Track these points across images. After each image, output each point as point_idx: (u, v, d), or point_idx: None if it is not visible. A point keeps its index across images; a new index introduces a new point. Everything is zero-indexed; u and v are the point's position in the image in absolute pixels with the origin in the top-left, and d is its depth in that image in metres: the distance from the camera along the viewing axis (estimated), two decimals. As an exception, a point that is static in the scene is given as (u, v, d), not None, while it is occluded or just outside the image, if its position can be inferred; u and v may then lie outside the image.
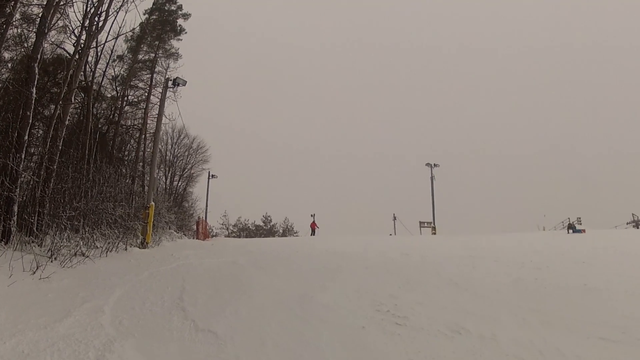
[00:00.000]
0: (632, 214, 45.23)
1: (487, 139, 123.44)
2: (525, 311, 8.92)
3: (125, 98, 27.39)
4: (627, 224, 45.02)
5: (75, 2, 18.22)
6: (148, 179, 23.79)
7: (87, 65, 22.00)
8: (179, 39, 29.51)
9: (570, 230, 31.98)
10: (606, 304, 9.30)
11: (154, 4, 28.41)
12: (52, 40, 19.57)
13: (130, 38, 27.29)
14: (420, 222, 47.63)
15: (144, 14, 27.39)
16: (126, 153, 28.05)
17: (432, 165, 49.94)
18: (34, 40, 15.98)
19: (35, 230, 13.69)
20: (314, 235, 41.33)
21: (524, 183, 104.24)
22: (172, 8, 29.16)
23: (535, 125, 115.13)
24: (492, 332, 7.57)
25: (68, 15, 18.94)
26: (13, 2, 15.17)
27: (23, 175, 13.82)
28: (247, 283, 11.90)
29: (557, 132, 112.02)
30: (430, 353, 6.78)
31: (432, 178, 49.71)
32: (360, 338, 7.53)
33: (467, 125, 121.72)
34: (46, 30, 15.50)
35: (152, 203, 20.94)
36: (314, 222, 45.39)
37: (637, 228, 41.79)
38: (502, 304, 9.65)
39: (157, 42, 28.82)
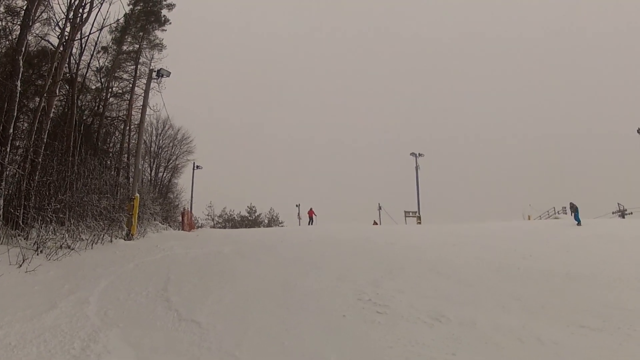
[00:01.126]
0: (618, 204, 45.48)
1: (473, 128, 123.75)
2: (507, 298, 9.04)
3: (110, 90, 27.28)
4: (613, 213, 45.25)
5: (60, -6, 18.26)
6: (133, 170, 23.79)
7: (72, 57, 21.87)
8: (163, 30, 29.31)
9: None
10: (588, 292, 9.45)
11: (138, -6, 28.33)
12: (37, 32, 19.49)
13: (114, 29, 27.06)
14: (406, 212, 47.66)
15: (128, 5, 27.26)
16: (111, 145, 27.90)
17: (417, 155, 49.85)
18: (18, 32, 16.00)
19: (21, 224, 13.76)
20: (312, 224, 39.74)
21: (509, 172, 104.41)
22: (157, -2, 29.06)
23: (521, 114, 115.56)
24: (472, 319, 7.66)
25: (52, 8, 18.89)
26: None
27: (8, 169, 13.88)
28: (231, 272, 12.05)
29: (543, 120, 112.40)
30: (409, 340, 6.84)
31: (416, 167, 49.66)
32: (341, 326, 7.62)
33: (453, 114, 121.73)
34: (30, 23, 15.56)
35: (137, 195, 20.90)
36: (311, 209, 41.46)
37: (623, 217, 42.01)
38: (484, 291, 9.80)
39: (141, 33, 28.61)
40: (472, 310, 8.20)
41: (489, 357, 6.23)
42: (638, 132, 40.40)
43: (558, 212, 48.14)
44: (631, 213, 43.09)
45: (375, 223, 45.75)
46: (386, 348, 6.56)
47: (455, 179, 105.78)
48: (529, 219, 44.31)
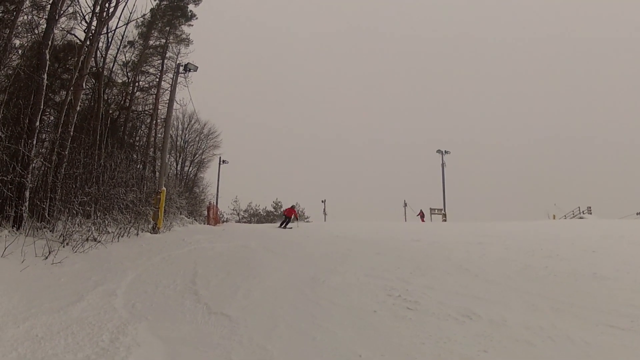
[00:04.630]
0: (642, 204, 45.15)
1: (500, 126, 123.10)
2: (535, 297, 8.88)
3: (136, 84, 27.41)
4: (637, 214, 44.88)
5: (86, -12, 18.28)
6: (159, 164, 23.81)
7: (98, 51, 22.01)
8: (190, 25, 29.40)
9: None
10: (615, 293, 9.21)
11: (165, -12, 28.38)
12: (63, 26, 19.62)
13: (140, 24, 27.26)
14: (431, 209, 47.57)
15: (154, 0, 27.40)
16: (137, 139, 28.04)
17: (443, 152, 49.81)
18: (44, 27, 16.02)
19: (47, 216, 13.80)
20: (285, 226, 28.24)
21: (535, 171, 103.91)
22: (183, -7, 29.08)
23: (549, 113, 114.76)
24: (503, 317, 7.51)
25: (78, 2, 19.02)
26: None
27: (34, 161, 13.88)
28: (258, 266, 11.99)
29: (571, 120, 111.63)
30: (441, 337, 6.66)
31: (442, 165, 49.62)
32: (371, 321, 7.49)
33: (480, 113, 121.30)
34: (57, 17, 15.50)
35: (164, 188, 20.93)
36: (292, 207, 31.19)
37: (646, 218, 41.57)
38: (512, 290, 9.62)
39: (167, 28, 28.72)
40: (501, 309, 8.05)
41: (521, 355, 6.12)
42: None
43: (583, 212, 47.89)
44: (656, 212, 42.80)
45: (421, 215, 45.04)
46: (418, 344, 6.46)
47: (480, 177, 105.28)
48: (554, 218, 43.98)
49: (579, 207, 49.27)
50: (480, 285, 10.01)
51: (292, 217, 30.02)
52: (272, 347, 6.22)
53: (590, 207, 48.51)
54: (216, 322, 7.28)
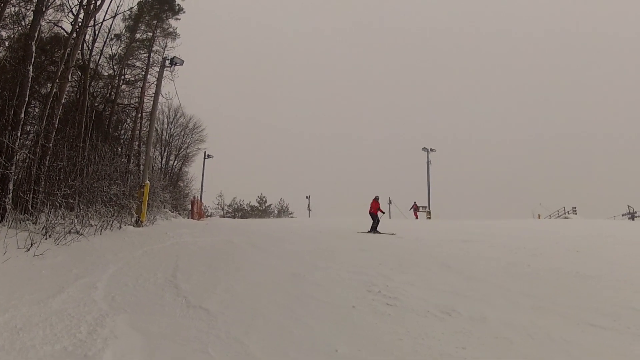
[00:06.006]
0: (628, 206, 45.57)
1: (485, 124, 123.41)
2: (517, 295, 9.00)
3: (122, 77, 27.38)
4: (623, 215, 45.33)
5: (74, -20, 18.24)
6: (144, 157, 23.84)
7: (85, 44, 21.93)
8: (177, 19, 29.32)
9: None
10: (598, 292, 9.36)
11: (152, -18, 28.33)
12: (50, 18, 19.53)
13: (128, 17, 27.18)
14: (411, 208, 47.72)
15: (142, -7, 27.38)
16: (122, 132, 28.02)
17: (429, 150, 50.04)
18: (31, 18, 16.00)
19: (30, 208, 13.79)
20: (376, 229, 22.06)
21: (521, 170, 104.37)
22: (171, -13, 29.03)
23: (536, 113, 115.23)
24: (483, 314, 7.61)
25: (66, -6, 18.94)
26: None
27: (19, 153, 13.89)
28: (240, 261, 12.11)
29: (557, 120, 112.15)
30: (419, 333, 6.80)
31: (428, 162, 49.87)
32: (350, 317, 7.57)
33: (466, 111, 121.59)
34: (44, 9, 15.53)
35: (147, 182, 20.99)
36: (375, 200, 24.20)
37: (633, 220, 42.00)
38: (494, 287, 9.74)
39: (155, 22, 28.65)
40: (482, 306, 8.17)
41: (499, 352, 6.18)
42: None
43: (568, 212, 48.28)
44: (640, 216, 43.20)
45: (415, 208, 44.69)
46: (396, 340, 6.52)
47: (466, 176, 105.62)
48: (539, 217, 44.33)
49: (564, 207, 49.74)
50: (462, 282, 10.17)
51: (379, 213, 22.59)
52: (250, 341, 6.26)
53: (575, 207, 48.96)
54: (195, 315, 7.33)
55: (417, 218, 41.07)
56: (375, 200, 22.80)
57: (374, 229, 21.21)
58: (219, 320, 7.10)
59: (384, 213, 22.33)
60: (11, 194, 13.14)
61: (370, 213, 22.55)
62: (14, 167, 13.28)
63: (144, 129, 27.76)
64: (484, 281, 10.32)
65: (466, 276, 10.78)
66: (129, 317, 6.97)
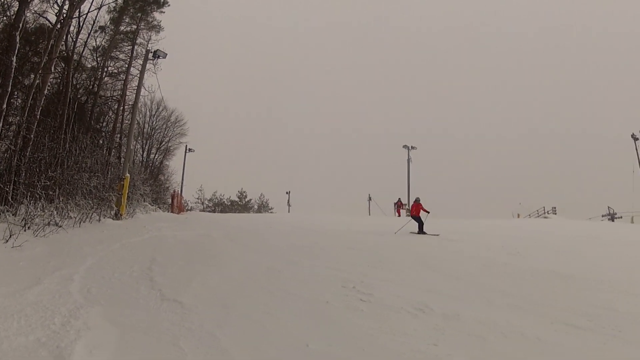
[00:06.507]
0: (608, 207, 45.77)
1: (467, 124, 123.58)
2: (494, 293, 9.09)
3: (105, 69, 27.34)
4: (603, 216, 45.57)
5: (59, -29, 18.26)
6: (125, 150, 23.88)
7: (69, 36, 21.93)
8: (161, 12, 29.20)
9: None
10: (575, 292, 9.45)
11: (137, -25, 28.28)
12: (35, 9, 19.53)
13: (112, 9, 27.08)
14: (394, 204, 47.74)
15: (127, -15, 27.36)
16: (104, 124, 27.94)
17: (410, 148, 50.16)
18: (16, 9, 16.02)
19: (10, 199, 13.85)
20: (422, 230, 20.77)
21: (501, 170, 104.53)
22: (156, -21, 28.99)
23: (517, 112, 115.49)
24: (457, 312, 7.71)
25: (51, -16, 18.94)
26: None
27: (0, 145, 13.94)
28: (218, 255, 12.22)
29: (539, 119, 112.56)
30: (391, 329, 6.84)
31: (408, 160, 49.95)
32: (323, 312, 7.68)
33: (447, 110, 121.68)
34: (29, -1, 15.57)
35: (128, 175, 21.08)
36: (416, 202, 23.11)
37: (612, 221, 42.30)
38: (470, 285, 9.84)
39: (139, 14, 28.57)
40: (457, 303, 8.28)
41: (471, 350, 6.22)
42: (632, 137, 40.71)
43: (547, 212, 48.49)
44: (621, 217, 43.38)
45: (399, 204, 44.37)
46: (367, 336, 6.59)
47: (447, 174, 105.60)
48: (518, 217, 44.50)
49: (543, 207, 49.92)
50: (439, 279, 10.31)
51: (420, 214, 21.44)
52: (222, 334, 6.30)
53: (555, 208, 49.05)
54: (169, 308, 7.37)
55: (399, 215, 40.77)
56: (416, 202, 22.03)
57: (421, 230, 20.35)
58: (192, 314, 7.13)
59: (428, 212, 21.57)
60: (-9, 185, 13.19)
61: (412, 216, 21.65)
62: (-5, 158, 13.33)
63: (126, 121, 27.74)
64: (460, 279, 10.45)
65: (443, 274, 10.93)
66: (103, 309, 7.00)
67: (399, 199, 43.73)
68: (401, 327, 6.98)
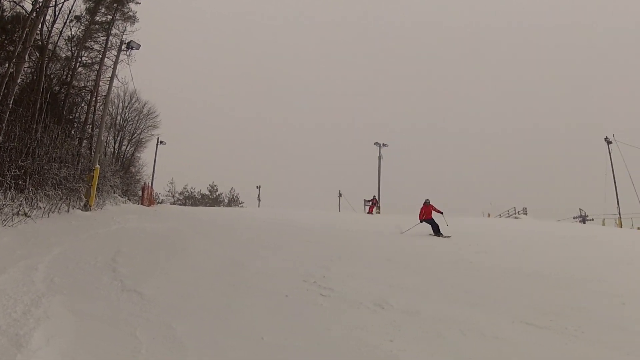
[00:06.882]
0: (580, 209, 46.35)
1: (440, 122, 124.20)
2: (455, 290, 9.25)
3: (80, 59, 27.31)
4: (574, 218, 46.13)
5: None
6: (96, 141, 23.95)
7: (44, 24, 21.97)
8: (137, 3, 29.17)
9: None
10: (539, 291, 9.52)
11: (114, -36, 28.24)
12: (12, -3, 19.56)
13: (89, -1, 27.19)
14: (365, 201, 47.92)
15: (104, -26, 27.32)
16: (77, 115, 27.89)
17: (381, 145, 50.52)
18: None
19: (-21, 189, 13.83)
20: (439, 232, 19.96)
21: (475, 169, 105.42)
22: (132, -30, 28.96)
23: (491, 109, 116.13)
24: (417, 308, 7.81)
25: (27, -27, 18.95)
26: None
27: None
28: (183, 248, 12.35)
29: (514, 119, 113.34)
30: (348, 324, 6.94)
31: (379, 157, 50.20)
32: (282, 306, 7.82)
33: (420, 108, 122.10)
34: (5, -13, 15.61)
35: (98, 166, 21.14)
36: (426, 204, 22.27)
37: (584, 223, 42.86)
38: (433, 281, 10.04)
39: (115, 4, 28.55)
40: (418, 300, 8.41)
41: (428, 346, 6.29)
42: (605, 140, 41.35)
43: (518, 212, 49.15)
44: (592, 219, 44.01)
45: (373, 201, 44.19)
46: (323, 330, 6.71)
47: (420, 172, 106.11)
48: (489, 216, 44.93)
49: (514, 207, 50.52)
50: (402, 275, 10.52)
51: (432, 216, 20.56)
52: (178, 325, 6.41)
53: (525, 208, 49.61)
54: (129, 299, 7.54)
55: (371, 213, 40.82)
56: (426, 204, 20.84)
57: (438, 233, 19.43)
58: (151, 304, 7.27)
59: (442, 213, 20.65)
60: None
61: (425, 220, 20.29)
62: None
63: (99, 112, 27.71)
64: (423, 276, 10.69)
65: (406, 270, 11.20)
66: (64, 299, 7.11)
67: (374, 196, 43.93)
68: (358, 322, 7.09)
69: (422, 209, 20.77)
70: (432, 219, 20.11)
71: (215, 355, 5.73)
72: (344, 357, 5.92)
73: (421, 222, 20.24)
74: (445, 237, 18.68)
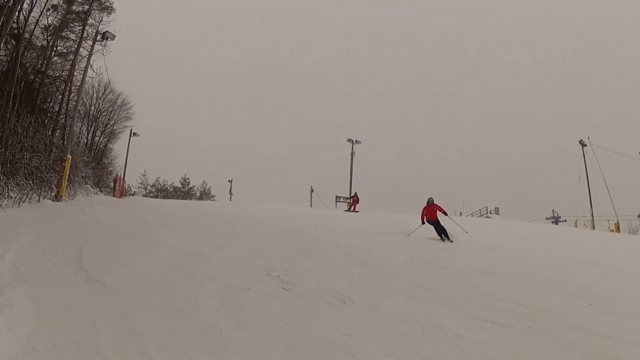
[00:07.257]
0: (552, 210, 46.91)
1: (419, 118, 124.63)
2: (418, 288, 9.29)
3: (55, 48, 27.29)
4: (547, 219, 46.69)
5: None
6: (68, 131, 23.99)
7: (21, 13, 22.00)
8: (113, -6, 29.35)
9: None
10: (504, 290, 9.58)
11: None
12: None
13: (66, -14, 27.15)
14: (337, 197, 48.05)
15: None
16: (51, 104, 27.85)
17: (354, 142, 50.93)
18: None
19: (-51, 178, 13.87)
20: (446, 236, 18.56)
21: (448, 167, 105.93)
22: (110, -41, 28.92)
23: (465, 108, 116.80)
24: (378, 304, 7.89)
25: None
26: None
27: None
28: (148, 239, 12.57)
29: (490, 119, 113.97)
30: (308, 318, 7.03)
31: (352, 154, 50.66)
32: (242, 298, 7.88)
33: (394, 106, 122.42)
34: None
35: (69, 156, 21.30)
36: (429, 203, 20.73)
37: (556, 224, 43.42)
38: (396, 279, 10.13)
39: (92, -6, 28.64)
40: (379, 296, 8.50)
41: (387, 342, 6.34)
42: (580, 143, 42.00)
43: (490, 212, 49.71)
44: (565, 221, 44.65)
45: (354, 201, 43.75)
46: (282, 324, 6.78)
47: (393, 169, 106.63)
48: (460, 215, 45.32)
49: (486, 207, 51.06)
50: (365, 272, 10.64)
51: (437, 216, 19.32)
52: (138, 316, 6.53)
53: (497, 208, 50.10)
54: (91, 289, 7.63)
55: (350, 210, 40.57)
56: (429, 204, 19.46)
57: (446, 236, 18.10)
58: (112, 295, 7.41)
59: (446, 214, 19.43)
60: None
61: (431, 221, 19.01)
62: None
63: (72, 102, 27.71)
64: (386, 272, 10.79)
65: (369, 267, 11.28)
66: (28, 287, 7.20)
67: (355, 193, 44.17)
68: (319, 316, 7.20)
69: (424, 209, 19.48)
70: (438, 221, 18.88)
71: (173, 346, 5.77)
72: (301, 351, 5.97)
73: (423, 223, 19.13)
74: (450, 241, 17.62)
